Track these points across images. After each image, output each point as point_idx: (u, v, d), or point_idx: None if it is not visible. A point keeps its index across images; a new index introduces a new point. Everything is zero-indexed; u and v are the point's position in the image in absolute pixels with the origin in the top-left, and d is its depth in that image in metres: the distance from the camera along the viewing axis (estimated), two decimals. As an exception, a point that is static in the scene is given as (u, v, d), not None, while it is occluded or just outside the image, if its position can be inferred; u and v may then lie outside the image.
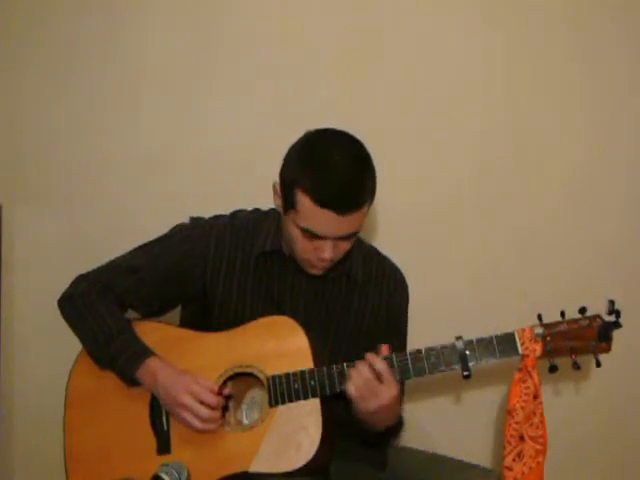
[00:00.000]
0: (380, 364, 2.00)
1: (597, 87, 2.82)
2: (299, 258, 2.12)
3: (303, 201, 1.97)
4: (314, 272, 2.13)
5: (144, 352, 2.13)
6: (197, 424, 2.06)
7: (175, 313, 2.36)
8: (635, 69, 2.83)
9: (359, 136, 2.06)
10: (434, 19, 2.80)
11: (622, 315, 1.95)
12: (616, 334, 1.96)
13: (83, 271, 2.28)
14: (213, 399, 2.05)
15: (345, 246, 2.08)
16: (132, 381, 2.13)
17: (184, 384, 2.06)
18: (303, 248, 2.06)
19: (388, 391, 2.00)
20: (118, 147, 2.80)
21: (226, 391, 2.11)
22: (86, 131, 2.79)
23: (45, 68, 2.76)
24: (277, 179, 2.09)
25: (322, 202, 1.95)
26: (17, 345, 2.84)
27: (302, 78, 2.79)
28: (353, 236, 2.06)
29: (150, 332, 2.20)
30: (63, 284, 2.26)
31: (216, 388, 2.08)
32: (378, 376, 1.99)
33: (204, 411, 2.05)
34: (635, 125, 2.84)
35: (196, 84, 2.79)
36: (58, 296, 2.25)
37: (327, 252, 2.03)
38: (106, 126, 2.80)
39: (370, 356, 2.02)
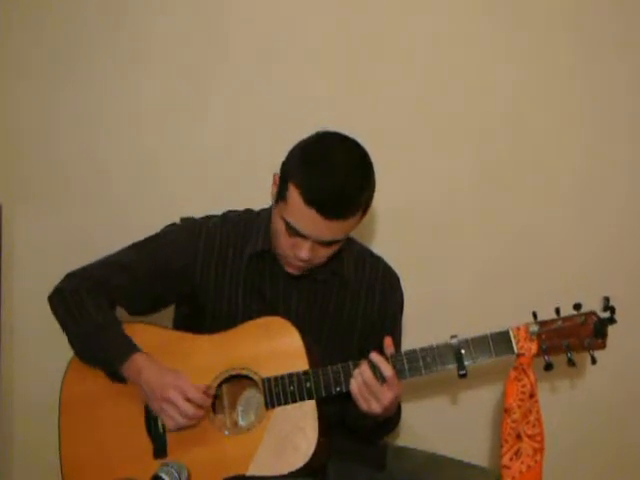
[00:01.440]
0: (387, 369, 1.99)
1: (597, 86, 2.82)
2: (278, 253, 2.12)
3: (293, 195, 1.98)
4: (290, 271, 2.13)
5: (131, 347, 2.13)
6: (180, 420, 2.04)
7: (168, 315, 2.36)
8: (635, 68, 2.82)
9: (359, 135, 2.06)
10: (434, 19, 2.80)
11: (620, 313, 1.95)
12: (612, 331, 1.96)
13: (82, 267, 2.29)
14: (198, 396, 2.05)
15: (324, 252, 2.07)
16: (117, 376, 2.13)
17: (169, 380, 2.06)
18: (283, 243, 2.06)
19: (391, 393, 2.00)
20: (118, 147, 2.80)
21: (211, 391, 2.10)
22: (86, 131, 2.80)
23: (45, 68, 2.76)
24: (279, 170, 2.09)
25: (308, 200, 1.95)
26: (17, 345, 2.84)
27: (302, 78, 2.79)
28: (334, 244, 2.06)
29: (142, 334, 2.19)
30: (63, 283, 2.28)
31: (202, 386, 2.07)
32: (383, 379, 1.99)
33: (189, 408, 2.04)
34: (635, 124, 2.83)
35: (196, 84, 2.80)
36: (57, 296, 2.26)
37: (304, 252, 2.02)
38: (106, 126, 2.80)
39: (376, 357, 2.02)
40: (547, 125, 2.83)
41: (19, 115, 2.79)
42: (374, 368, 2.00)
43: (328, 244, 2.04)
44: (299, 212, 1.97)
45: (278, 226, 2.06)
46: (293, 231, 2.01)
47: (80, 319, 2.17)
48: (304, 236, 2.00)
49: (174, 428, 2.07)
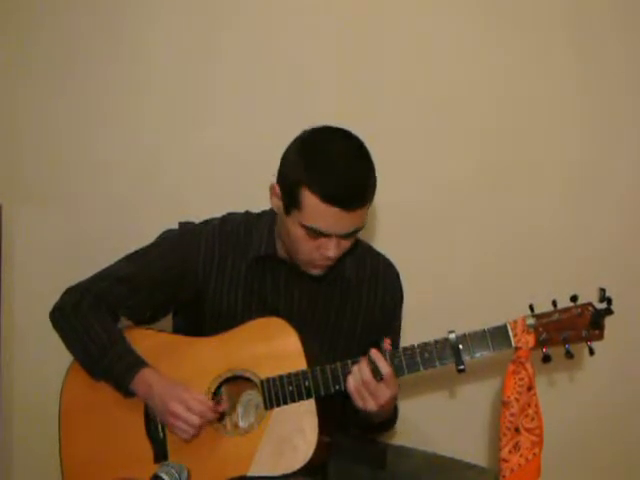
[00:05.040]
0: (385, 367, 1.99)
1: (597, 84, 2.82)
2: (301, 259, 2.09)
3: (309, 199, 1.96)
4: (315, 272, 2.11)
5: (138, 363, 2.13)
6: (190, 431, 2.05)
7: (167, 320, 2.36)
8: (635, 66, 2.82)
9: (359, 135, 2.06)
10: (434, 19, 2.80)
11: (619, 306, 1.95)
12: (611, 324, 1.96)
13: (83, 270, 2.27)
14: (200, 408, 2.05)
15: (347, 244, 2.06)
16: (127, 392, 2.13)
17: (177, 394, 2.06)
18: (307, 248, 2.04)
19: (388, 392, 1.99)
20: (118, 147, 2.80)
21: (221, 407, 2.10)
22: (86, 131, 2.80)
23: (45, 68, 2.77)
24: (274, 180, 2.08)
25: (329, 199, 1.94)
26: (17, 345, 2.84)
27: (302, 78, 2.79)
28: (356, 233, 2.05)
29: (142, 339, 2.20)
30: (63, 284, 2.27)
31: (209, 402, 2.07)
32: (380, 376, 1.99)
33: (194, 419, 2.04)
34: (635, 122, 2.83)
35: (198, 84, 2.80)
36: (58, 296, 2.25)
37: (332, 250, 2.01)
38: (106, 126, 2.81)
39: (375, 355, 2.01)
40: (547, 123, 2.83)
41: (19, 115, 2.80)
42: (372, 365, 1.99)
43: (351, 235, 2.04)
44: (320, 214, 1.96)
45: (297, 234, 2.03)
46: (316, 234, 2.00)
47: (84, 338, 2.16)
48: (329, 235, 2.00)
49: (187, 438, 2.07)
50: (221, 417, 2.13)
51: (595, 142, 2.83)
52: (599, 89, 2.82)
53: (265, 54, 2.79)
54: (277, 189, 2.06)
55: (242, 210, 2.32)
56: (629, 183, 2.84)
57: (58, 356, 2.28)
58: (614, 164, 2.83)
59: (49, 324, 2.25)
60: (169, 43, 2.78)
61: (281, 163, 2.06)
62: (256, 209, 2.29)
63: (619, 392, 2.85)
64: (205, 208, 2.33)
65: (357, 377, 2.00)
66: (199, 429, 2.06)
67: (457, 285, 2.82)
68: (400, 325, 2.34)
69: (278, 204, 2.07)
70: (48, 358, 2.70)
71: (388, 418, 2.16)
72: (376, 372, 1.98)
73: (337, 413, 2.19)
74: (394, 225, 2.79)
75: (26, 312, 2.82)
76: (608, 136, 2.83)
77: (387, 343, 2.03)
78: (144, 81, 2.80)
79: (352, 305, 2.25)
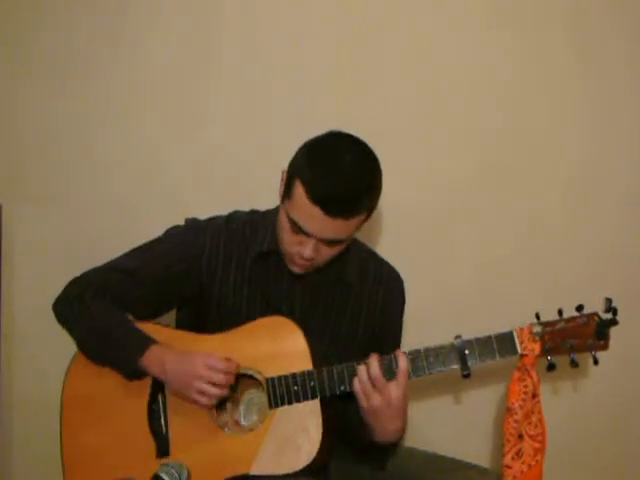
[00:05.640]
0: (403, 362, 2.01)
1: (597, 84, 2.82)
2: (283, 250, 2.12)
3: (298, 192, 1.98)
4: (295, 269, 2.13)
5: (146, 340, 2.13)
6: (213, 391, 2.03)
7: (170, 315, 2.36)
8: (635, 66, 2.83)
9: (360, 134, 2.07)
10: (434, 19, 2.80)
11: (622, 313, 1.96)
12: (614, 331, 1.97)
13: (83, 270, 2.28)
14: (224, 365, 2.04)
15: (327, 252, 2.07)
16: (134, 372, 2.13)
17: (196, 359, 2.05)
18: (288, 241, 2.07)
19: (397, 390, 2.00)
20: (119, 147, 2.79)
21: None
22: (86, 131, 2.78)
23: (45, 68, 2.75)
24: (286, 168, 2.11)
25: (313, 198, 1.96)
26: (17, 345, 2.83)
27: (303, 78, 2.78)
28: (337, 244, 2.06)
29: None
30: (63, 283, 2.28)
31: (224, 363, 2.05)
32: (391, 374, 2.00)
33: (220, 377, 2.03)
34: (635, 122, 2.84)
35: (199, 83, 2.79)
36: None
37: (307, 250, 2.03)
38: (107, 126, 2.79)
39: (398, 352, 2.03)
40: (548, 124, 2.83)
41: (19, 115, 2.77)
42: (388, 360, 2.02)
43: (331, 244, 2.05)
44: (303, 209, 1.98)
45: (283, 223, 2.07)
46: (297, 228, 2.02)
47: (90, 322, 2.17)
48: (308, 234, 2.01)
49: (209, 403, 2.06)
50: (217, 409, 2.13)
51: (595, 142, 2.83)
52: (599, 89, 2.82)
53: (265, 54, 2.77)
54: (284, 175, 2.10)
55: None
56: (629, 183, 2.84)
57: (58, 356, 2.28)
58: (614, 164, 2.83)
59: (49, 324, 2.26)
60: (169, 43, 2.76)
61: (297, 151, 2.09)
62: (260, 209, 2.31)
63: (622, 401, 2.86)
64: (205, 208, 2.33)
65: (364, 374, 2.01)
66: (225, 388, 2.05)
67: (457, 285, 2.82)
68: (401, 329, 2.35)
69: (281, 190, 2.11)
70: (48, 358, 2.71)
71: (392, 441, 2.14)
72: (388, 370, 2.00)
73: (339, 416, 2.20)
74: (394, 225, 2.79)
75: (26, 312, 2.80)
76: (608, 136, 2.83)
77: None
78: (144, 81, 2.78)
79: (353, 308, 2.27)
